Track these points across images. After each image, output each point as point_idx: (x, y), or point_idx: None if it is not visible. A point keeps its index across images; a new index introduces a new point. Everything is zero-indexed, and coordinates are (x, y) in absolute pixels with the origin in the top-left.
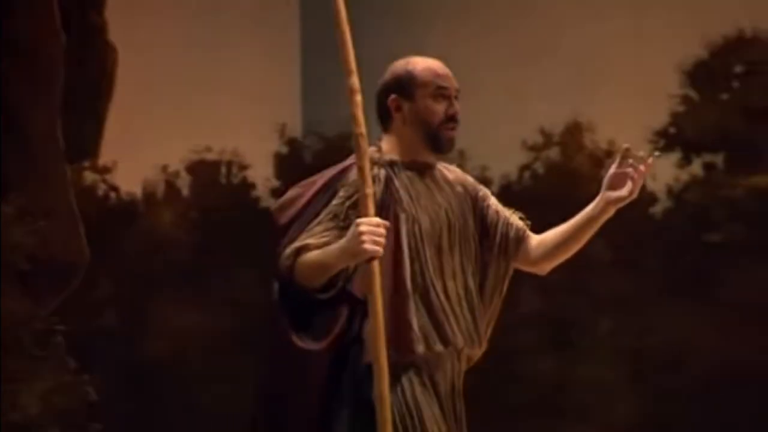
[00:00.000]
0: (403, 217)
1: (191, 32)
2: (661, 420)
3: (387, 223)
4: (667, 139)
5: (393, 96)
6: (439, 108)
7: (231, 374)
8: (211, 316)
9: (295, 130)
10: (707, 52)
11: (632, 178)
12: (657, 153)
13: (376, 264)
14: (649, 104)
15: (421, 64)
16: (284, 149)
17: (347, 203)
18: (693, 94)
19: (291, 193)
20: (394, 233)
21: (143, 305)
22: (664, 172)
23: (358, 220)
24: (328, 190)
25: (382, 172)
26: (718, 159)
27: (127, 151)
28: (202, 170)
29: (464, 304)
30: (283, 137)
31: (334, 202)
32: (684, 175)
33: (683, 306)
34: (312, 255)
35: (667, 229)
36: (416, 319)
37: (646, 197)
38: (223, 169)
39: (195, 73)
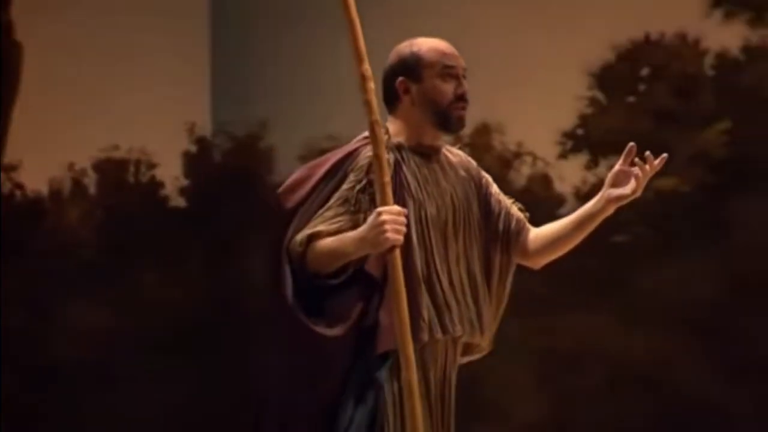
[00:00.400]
0: (410, 203)
1: (99, 30)
2: (566, 419)
3: (406, 211)
4: (575, 141)
5: (401, 78)
6: (448, 87)
7: (137, 374)
8: (117, 316)
9: (205, 129)
10: (614, 55)
11: (636, 177)
12: (665, 154)
13: (398, 253)
14: (558, 106)
15: (427, 44)
16: (193, 148)
17: (357, 187)
18: (600, 96)
19: (297, 174)
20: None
21: (49, 304)
22: (571, 174)
23: (379, 209)
24: (337, 173)
25: (391, 157)
26: None
27: (33, 149)
28: (110, 168)
29: (468, 290)
30: (192, 136)
31: (345, 186)
32: (591, 177)
33: (591, 307)
34: (327, 242)
35: None
36: (425, 308)
37: (553, 199)
38: (131, 168)
39: (103, 71)
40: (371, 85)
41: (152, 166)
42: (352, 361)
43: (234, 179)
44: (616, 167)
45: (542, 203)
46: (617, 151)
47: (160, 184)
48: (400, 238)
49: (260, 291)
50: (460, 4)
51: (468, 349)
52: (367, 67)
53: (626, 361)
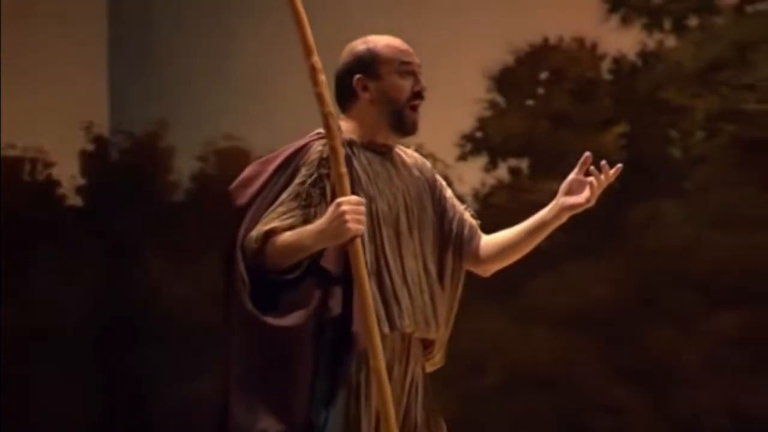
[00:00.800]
0: (361, 197)
1: None
2: (469, 420)
3: (365, 200)
4: (474, 143)
5: (358, 76)
6: (406, 84)
7: (31, 376)
8: (12, 316)
9: (102, 127)
10: (513, 58)
11: (591, 186)
12: (620, 165)
13: (359, 243)
14: (457, 109)
15: (382, 41)
16: (90, 147)
17: (308, 182)
18: (500, 99)
19: (249, 171)
20: None
21: None
22: (470, 176)
23: (339, 200)
24: (288, 167)
25: (342, 152)
26: (523, 164)
27: None
28: (5, 168)
29: (424, 287)
30: (90, 135)
31: (296, 181)
32: (490, 179)
33: (492, 309)
34: (284, 237)
35: None
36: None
37: None
38: (27, 167)
39: None
40: (322, 77)
41: (49, 164)
42: (316, 355)
43: (131, 178)
44: (571, 176)
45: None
46: (516, 153)
47: (57, 183)
48: (361, 228)
49: (155, 290)
50: (353, 9)
51: (430, 346)
52: (316, 59)
53: (526, 362)
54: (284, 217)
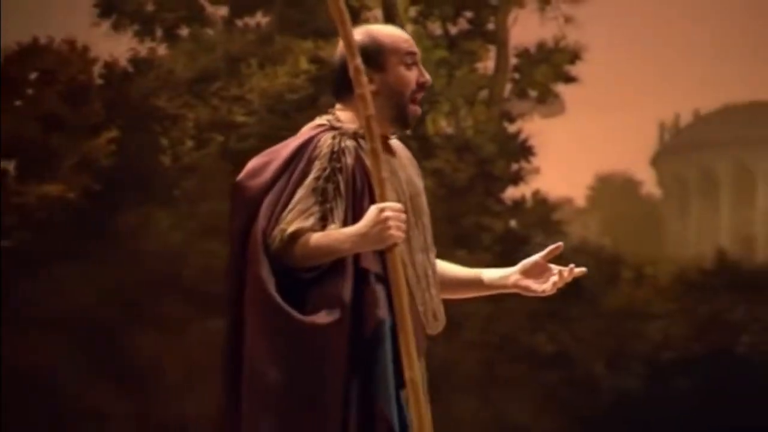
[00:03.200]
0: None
1: None
2: None
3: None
4: None
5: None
6: (412, 76)
7: None
8: None
9: None
10: (2, 58)
11: (554, 283)
12: (584, 269)
13: (398, 250)
14: None
15: (384, 31)
16: None
17: (323, 176)
18: None
19: (255, 162)
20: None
21: None
22: None
23: (381, 205)
24: (299, 160)
25: (351, 144)
26: (11, 166)
27: None
28: None
29: (431, 280)
30: None
31: (312, 175)
32: None
33: None
34: (316, 239)
35: None
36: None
37: None
38: None
39: None
40: (365, 78)
41: None
42: (351, 354)
43: None
44: (535, 258)
45: None
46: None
47: None
48: (403, 235)
49: None
50: None
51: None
52: (359, 61)
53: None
54: (306, 215)
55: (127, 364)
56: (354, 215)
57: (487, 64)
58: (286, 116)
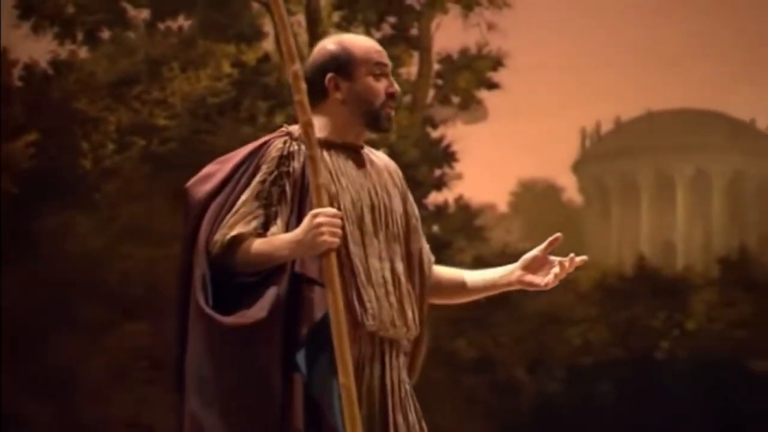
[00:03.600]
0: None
1: None
2: None
3: (341, 213)
4: None
5: (330, 75)
6: (380, 86)
7: None
8: None
9: None
10: None
11: (555, 274)
12: (585, 257)
13: (333, 256)
14: None
15: (356, 41)
16: None
17: (269, 179)
18: None
19: (206, 169)
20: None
21: None
22: None
23: (315, 211)
24: (248, 164)
25: (303, 148)
26: None
27: None
28: None
29: (390, 288)
30: None
31: (257, 179)
32: None
33: None
34: (256, 246)
35: None
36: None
37: None
38: None
39: None
40: (303, 85)
41: None
42: (283, 355)
43: None
44: (535, 252)
45: None
46: None
47: None
48: (337, 240)
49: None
50: None
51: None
52: (298, 66)
53: None
54: (248, 218)
55: (47, 367)
56: (299, 220)
57: (411, 70)
58: (209, 119)
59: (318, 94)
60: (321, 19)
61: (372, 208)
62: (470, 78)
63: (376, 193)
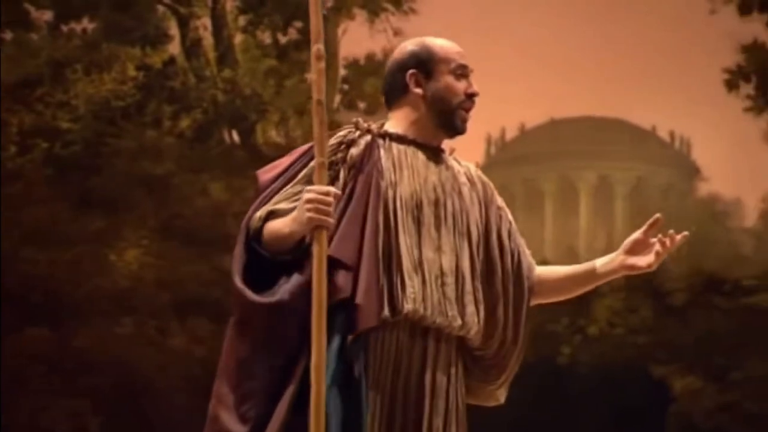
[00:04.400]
0: (382, 184)
1: None
2: None
3: (337, 191)
4: None
5: (412, 71)
6: (461, 86)
7: None
8: None
9: None
10: None
11: (657, 253)
12: (686, 233)
13: (323, 234)
14: None
15: (439, 41)
16: None
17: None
18: None
19: (280, 159)
20: (365, 202)
21: None
22: None
23: (308, 188)
24: (310, 153)
25: (365, 139)
26: None
27: None
28: None
29: (448, 280)
30: None
31: (310, 164)
32: None
33: None
34: (272, 223)
35: None
36: (377, 283)
37: None
38: None
39: None
40: (322, 65)
41: None
42: (304, 336)
43: None
44: (636, 235)
45: None
46: None
47: None
48: (323, 217)
49: None
50: None
51: (479, 392)
52: (320, 46)
53: None
54: (292, 198)
55: None
56: (346, 206)
57: None
58: (113, 123)
59: (398, 91)
60: (227, 23)
61: (436, 202)
62: (376, 83)
63: (443, 191)
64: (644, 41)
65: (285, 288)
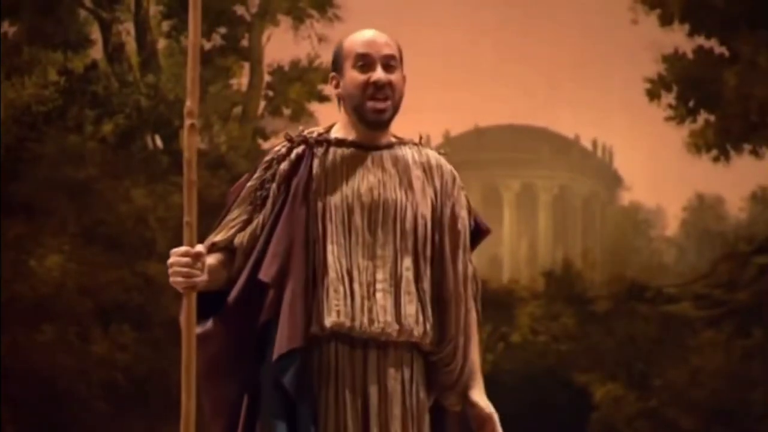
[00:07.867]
0: (310, 197)
1: None
2: None
3: (199, 250)
4: None
5: (332, 74)
6: (363, 78)
7: None
8: None
9: None
10: None
11: None
12: None
13: (192, 294)
14: None
15: (353, 36)
16: None
17: (255, 184)
18: None
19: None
20: (292, 218)
21: None
22: None
23: (172, 251)
24: (256, 175)
25: (296, 151)
26: None
27: None
28: None
29: (381, 286)
30: None
31: (248, 184)
32: None
33: None
34: (209, 258)
35: None
36: (303, 300)
37: None
38: None
39: None
40: (197, 69)
41: None
42: (239, 362)
43: None
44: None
45: None
46: None
47: None
48: (185, 281)
49: None
50: None
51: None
52: (198, 39)
53: None
54: (231, 225)
55: None
56: (275, 221)
57: (242, 81)
58: (34, 128)
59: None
60: (150, 28)
61: (370, 206)
62: (301, 90)
63: (384, 190)
64: (567, 50)
65: (213, 316)
